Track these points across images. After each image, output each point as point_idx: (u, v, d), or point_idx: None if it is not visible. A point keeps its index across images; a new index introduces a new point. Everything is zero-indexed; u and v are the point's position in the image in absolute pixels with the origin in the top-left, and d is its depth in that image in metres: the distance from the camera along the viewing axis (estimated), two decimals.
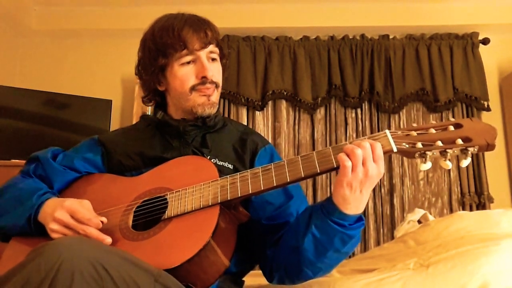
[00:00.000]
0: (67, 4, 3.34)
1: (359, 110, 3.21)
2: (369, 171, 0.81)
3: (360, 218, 0.88)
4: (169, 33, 1.03)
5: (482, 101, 3.13)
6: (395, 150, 0.83)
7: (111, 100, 3.21)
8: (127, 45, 3.40)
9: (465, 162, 0.81)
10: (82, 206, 0.91)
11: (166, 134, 1.11)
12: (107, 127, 3.15)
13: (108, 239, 0.88)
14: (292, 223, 0.99)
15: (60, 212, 0.90)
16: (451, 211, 2.98)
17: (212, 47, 1.07)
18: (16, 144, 2.95)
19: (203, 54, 1.05)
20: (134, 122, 3.15)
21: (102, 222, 0.91)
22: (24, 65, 3.46)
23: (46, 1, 3.32)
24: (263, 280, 1.07)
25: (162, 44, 1.04)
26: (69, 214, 0.90)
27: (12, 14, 3.20)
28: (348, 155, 0.82)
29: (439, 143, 0.81)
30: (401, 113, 3.20)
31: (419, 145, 0.82)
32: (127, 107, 3.34)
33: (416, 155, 0.82)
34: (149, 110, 3.17)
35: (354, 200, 0.84)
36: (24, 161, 1.13)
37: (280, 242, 0.97)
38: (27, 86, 3.15)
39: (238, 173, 0.92)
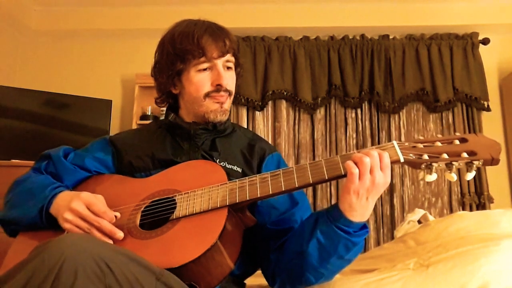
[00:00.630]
0: (67, 4, 3.34)
1: (359, 110, 3.21)
2: (376, 179, 0.83)
3: (365, 226, 0.90)
4: (189, 40, 1.05)
5: (482, 101, 3.14)
6: (402, 160, 0.84)
7: (111, 100, 3.21)
8: (127, 45, 3.42)
9: (470, 175, 0.83)
10: (97, 200, 0.93)
11: (177, 136, 1.12)
12: (107, 127, 3.15)
13: (120, 233, 0.90)
14: (297, 228, 1.00)
15: (77, 203, 0.91)
16: (451, 211, 2.99)
17: (229, 56, 1.09)
18: (16, 144, 2.96)
19: (220, 62, 1.07)
20: (134, 122, 3.15)
21: (115, 217, 0.93)
22: (24, 65, 3.46)
23: (46, 1, 3.32)
24: (263, 281, 1.07)
25: (181, 49, 1.06)
26: (85, 205, 0.91)
27: (12, 14, 3.20)
28: (356, 163, 0.83)
29: (445, 156, 0.83)
30: (401, 113, 3.20)
31: (425, 156, 0.84)
32: (127, 107, 3.34)
33: (422, 166, 0.84)
34: (148, 110, 3.18)
35: (360, 207, 0.85)
36: (24, 161, 1.13)
37: (284, 247, 0.98)
38: (27, 86, 3.15)
39: (246, 177, 0.94)
